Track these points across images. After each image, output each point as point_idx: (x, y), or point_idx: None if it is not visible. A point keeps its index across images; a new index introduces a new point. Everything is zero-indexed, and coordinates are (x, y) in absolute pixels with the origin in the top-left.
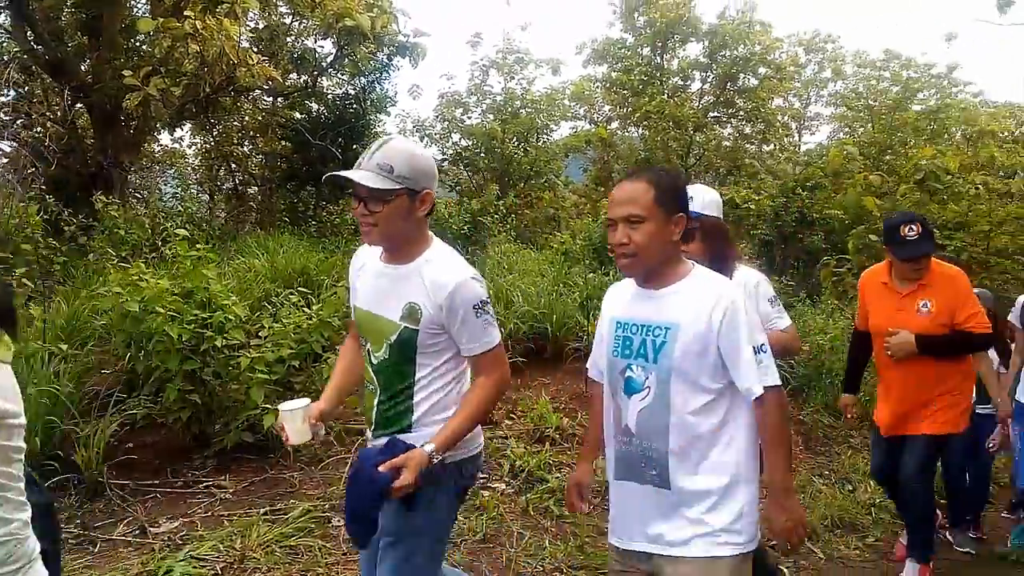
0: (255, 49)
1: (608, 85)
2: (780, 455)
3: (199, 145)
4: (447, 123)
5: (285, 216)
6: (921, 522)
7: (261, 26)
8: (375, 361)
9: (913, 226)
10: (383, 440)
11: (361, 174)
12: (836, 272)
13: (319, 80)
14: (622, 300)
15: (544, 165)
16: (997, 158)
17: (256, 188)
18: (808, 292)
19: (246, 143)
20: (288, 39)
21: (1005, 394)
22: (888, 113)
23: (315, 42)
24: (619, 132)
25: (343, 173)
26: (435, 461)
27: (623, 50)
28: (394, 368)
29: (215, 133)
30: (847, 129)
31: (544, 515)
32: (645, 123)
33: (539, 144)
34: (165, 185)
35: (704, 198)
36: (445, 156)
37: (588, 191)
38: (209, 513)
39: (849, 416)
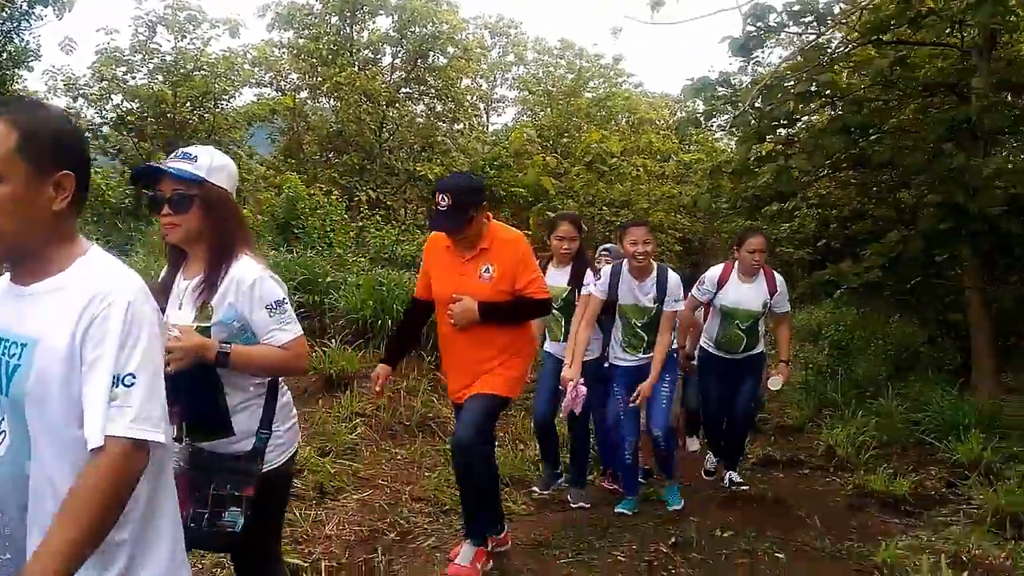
0: None
1: (296, 52)
2: (75, 532)
3: None
4: (107, 83)
5: None
6: (482, 496)
7: None
8: None
9: (445, 196)
10: None
11: None
12: None
13: None
14: None
15: (224, 134)
16: (654, 143)
17: None
18: None
19: None
20: None
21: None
22: (564, 99)
23: None
24: (310, 102)
25: None
26: None
27: (310, 16)
28: None
29: None
30: (530, 112)
31: None
32: (336, 95)
33: (217, 111)
34: None
35: (211, 162)
36: (105, 120)
37: (278, 163)
38: None
39: (378, 389)
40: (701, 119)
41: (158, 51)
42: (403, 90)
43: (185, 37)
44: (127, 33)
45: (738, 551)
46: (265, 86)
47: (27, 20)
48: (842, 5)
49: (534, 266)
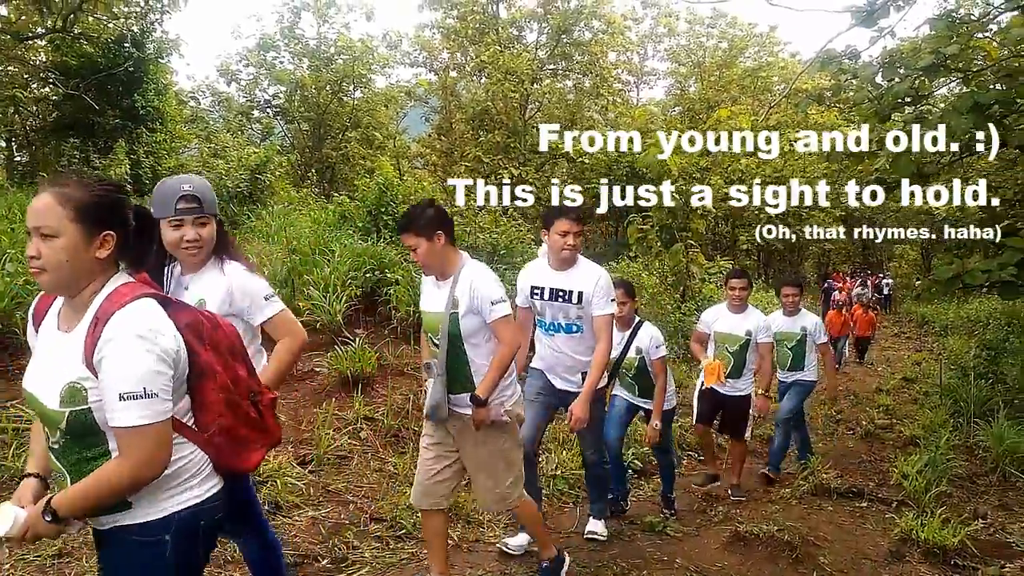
0: None
1: (445, 32)
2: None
3: None
4: (254, 68)
5: (43, 172)
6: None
7: None
8: None
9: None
10: None
11: None
12: (641, 229)
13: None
14: None
15: (362, 116)
16: (811, 116)
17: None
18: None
19: None
20: None
21: None
22: (716, 71)
23: None
24: (462, 81)
25: None
26: None
27: None
28: None
29: None
30: (679, 86)
31: None
32: (482, 73)
33: (358, 94)
34: None
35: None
36: (253, 103)
37: (431, 141)
38: None
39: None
40: (827, 95)
41: (302, 37)
42: (548, 67)
43: (326, 22)
44: (271, 19)
45: None
46: (419, 66)
47: (165, 12)
48: None
49: None
